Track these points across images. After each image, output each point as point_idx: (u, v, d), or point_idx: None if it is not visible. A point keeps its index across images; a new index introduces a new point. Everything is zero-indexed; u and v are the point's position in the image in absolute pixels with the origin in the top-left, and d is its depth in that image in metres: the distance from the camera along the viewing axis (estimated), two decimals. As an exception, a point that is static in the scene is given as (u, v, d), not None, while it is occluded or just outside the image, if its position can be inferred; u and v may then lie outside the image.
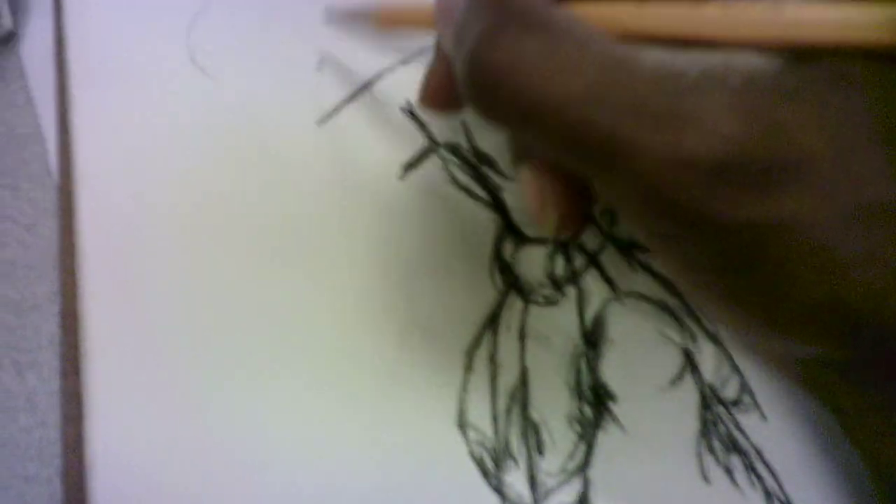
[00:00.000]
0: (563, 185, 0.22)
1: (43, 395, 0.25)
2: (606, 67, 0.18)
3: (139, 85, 0.30)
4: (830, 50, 0.17)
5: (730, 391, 0.28)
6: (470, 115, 0.31)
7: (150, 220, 0.27)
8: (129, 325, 0.25)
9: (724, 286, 0.20)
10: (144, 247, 0.27)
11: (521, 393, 0.27)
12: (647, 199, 0.19)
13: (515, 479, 0.26)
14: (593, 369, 0.28)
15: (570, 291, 0.29)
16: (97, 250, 0.26)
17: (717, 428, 0.27)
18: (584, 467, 0.26)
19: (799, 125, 0.17)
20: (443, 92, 0.26)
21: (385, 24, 0.27)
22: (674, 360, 0.28)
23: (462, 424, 0.26)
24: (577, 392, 0.27)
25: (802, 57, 0.17)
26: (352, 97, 0.31)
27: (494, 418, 0.26)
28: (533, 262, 0.29)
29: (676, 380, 0.28)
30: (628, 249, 0.30)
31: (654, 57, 0.18)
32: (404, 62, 0.31)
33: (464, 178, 0.30)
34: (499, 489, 0.25)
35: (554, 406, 0.27)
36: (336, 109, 0.30)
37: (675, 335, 0.29)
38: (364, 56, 0.31)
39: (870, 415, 0.21)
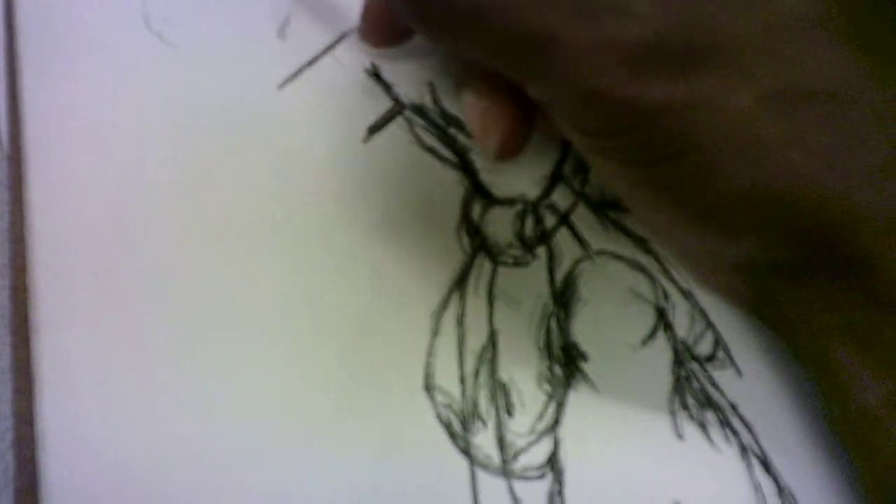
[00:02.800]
0: (504, 106, 0.23)
1: (-6, 368, 0.24)
2: None
3: (92, 51, 0.29)
4: None
5: (704, 347, 0.28)
6: (435, 75, 0.30)
7: (102, 191, 0.26)
8: (80, 298, 0.25)
9: (654, 179, 0.20)
10: (96, 218, 0.26)
11: (490, 354, 0.26)
12: (575, 92, 0.19)
13: (484, 441, 0.25)
14: (564, 329, 0.27)
15: (541, 252, 0.28)
16: (48, 222, 0.26)
17: (690, 384, 0.27)
18: (554, 427, 0.26)
19: (719, 8, 0.17)
20: (383, 23, 0.26)
21: None
22: (646, 319, 0.28)
23: (429, 387, 0.26)
24: (548, 352, 0.27)
25: None
26: (313, 60, 0.30)
27: (462, 381, 0.26)
28: (502, 224, 0.29)
29: (649, 338, 0.27)
30: (600, 208, 0.29)
31: None
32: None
33: (430, 140, 0.29)
34: (466, 451, 0.25)
35: (523, 367, 0.26)
36: (297, 73, 0.30)
37: (647, 293, 0.28)
38: (327, 18, 0.30)
39: (815, 316, 0.21)
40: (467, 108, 0.24)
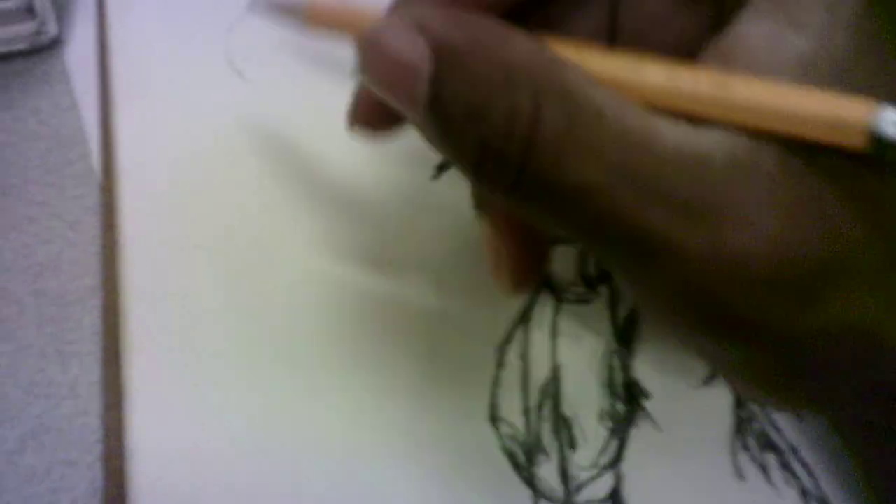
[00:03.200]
0: (520, 247, 0.21)
1: (85, 384, 0.26)
2: (628, 147, 0.15)
3: (178, 88, 0.30)
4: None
5: (764, 390, 0.28)
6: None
7: (189, 219, 0.28)
8: (168, 318, 0.26)
9: (763, 386, 0.18)
10: (183, 244, 0.27)
11: (553, 388, 0.27)
12: (676, 304, 0.16)
13: (547, 473, 0.26)
14: (626, 366, 0.28)
15: (603, 291, 0.29)
16: (137, 247, 0.27)
17: (751, 425, 0.27)
18: (616, 462, 0.26)
19: (845, 213, 0.15)
20: (376, 111, 0.22)
21: (316, 22, 0.23)
22: (707, 359, 0.28)
23: (494, 419, 0.26)
24: (610, 389, 0.27)
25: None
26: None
27: (526, 413, 0.27)
28: (565, 262, 0.29)
29: (710, 378, 0.28)
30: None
31: (675, 133, 0.15)
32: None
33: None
34: (531, 482, 0.25)
35: (586, 402, 0.27)
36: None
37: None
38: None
39: None
40: (484, 238, 0.22)
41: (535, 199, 0.17)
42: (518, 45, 0.16)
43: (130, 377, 0.25)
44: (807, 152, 0.15)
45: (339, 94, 0.31)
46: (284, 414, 0.25)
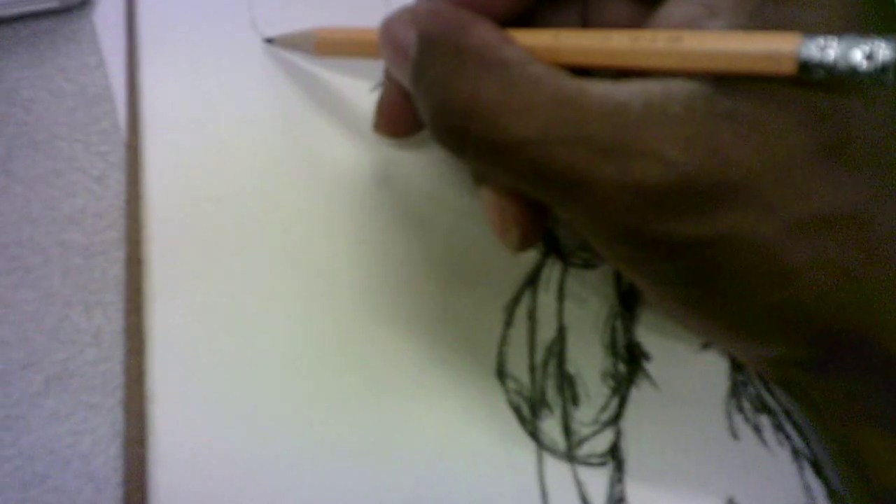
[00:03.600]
0: (522, 204, 0.24)
1: (108, 332, 0.27)
2: (559, 104, 0.19)
3: (203, 48, 0.31)
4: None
5: (760, 356, 0.29)
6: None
7: (211, 173, 0.29)
8: (189, 271, 0.27)
9: (686, 298, 0.21)
10: (205, 198, 0.28)
11: (559, 347, 0.28)
12: (603, 226, 0.20)
13: (551, 427, 0.27)
14: (628, 329, 0.29)
15: (607, 257, 0.30)
16: (161, 201, 0.28)
17: (746, 388, 0.28)
18: (616, 419, 0.27)
19: (736, 146, 0.19)
20: (398, 117, 0.27)
21: (325, 50, 0.29)
22: (706, 325, 0.29)
23: (501, 374, 0.27)
24: (612, 350, 0.28)
25: (735, 79, 0.19)
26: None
27: (532, 370, 0.28)
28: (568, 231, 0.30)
29: (709, 342, 0.29)
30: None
31: (599, 90, 0.19)
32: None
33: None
34: (535, 435, 0.26)
35: (589, 362, 0.28)
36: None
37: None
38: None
39: (839, 404, 0.22)
40: (485, 204, 0.24)
41: (482, 157, 0.21)
42: (476, 33, 0.21)
43: (152, 326, 0.26)
44: (708, 99, 0.19)
45: (361, 61, 0.32)
46: (301, 362, 0.26)
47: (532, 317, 0.28)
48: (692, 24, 0.19)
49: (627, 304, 0.29)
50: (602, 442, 0.27)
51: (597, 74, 0.21)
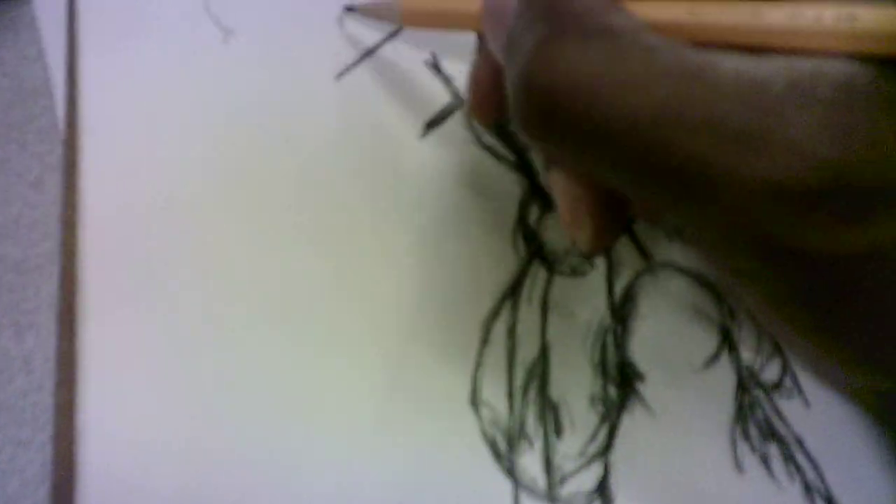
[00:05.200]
0: (601, 194, 0.20)
1: (40, 357, 0.24)
2: (681, 79, 0.16)
3: (150, 36, 0.28)
4: None
5: (770, 373, 0.26)
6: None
7: (152, 178, 0.26)
8: (128, 288, 0.24)
9: (814, 320, 0.18)
10: (146, 205, 0.26)
11: (541, 369, 0.25)
12: (732, 232, 0.17)
13: (530, 463, 0.24)
14: (620, 346, 0.26)
15: (600, 261, 0.27)
16: (97, 210, 0.25)
17: (754, 413, 0.25)
18: (605, 451, 0.24)
19: None
20: (493, 100, 0.23)
21: (413, 20, 0.25)
22: (709, 339, 0.26)
23: (475, 401, 0.25)
24: (602, 370, 0.25)
25: None
26: (373, 50, 0.29)
27: (510, 396, 0.25)
28: (560, 229, 0.27)
29: (712, 360, 0.26)
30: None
31: (734, 65, 0.16)
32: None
33: (489, 138, 0.28)
34: (511, 472, 0.24)
35: (575, 385, 0.25)
36: (355, 63, 0.29)
37: (712, 311, 0.27)
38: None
39: None
40: (556, 192, 0.21)
41: (573, 142, 0.17)
42: None
43: (84, 352, 0.23)
44: (869, 83, 0.15)
45: (318, 43, 0.29)
46: (247, 393, 0.24)
47: (512, 333, 0.25)
48: None
49: (621, 316, 0.26)
50: (588, 478, 0.24)
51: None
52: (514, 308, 0.26)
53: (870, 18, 0.15)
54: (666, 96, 0.15)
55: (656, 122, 0.16)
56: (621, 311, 0.26)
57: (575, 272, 0.27)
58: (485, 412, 0.24)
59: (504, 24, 0.19)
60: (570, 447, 0.24)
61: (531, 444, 0.24)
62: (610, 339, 0.26)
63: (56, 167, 0.27)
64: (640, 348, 0.26)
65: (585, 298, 0.26)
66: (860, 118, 0.15)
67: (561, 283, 0.26)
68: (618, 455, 0.24)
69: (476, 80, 0.24)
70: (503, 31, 0.19)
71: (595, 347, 0.26)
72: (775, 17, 0.16)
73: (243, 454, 0.23)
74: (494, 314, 0.26)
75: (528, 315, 0.26)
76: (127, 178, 0.26)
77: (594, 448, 0.24)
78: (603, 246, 0.21)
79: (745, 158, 0.15)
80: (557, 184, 0.21)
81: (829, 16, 0.16)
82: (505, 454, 0.24)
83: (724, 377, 0.26)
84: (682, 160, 0.16)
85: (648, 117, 0.16)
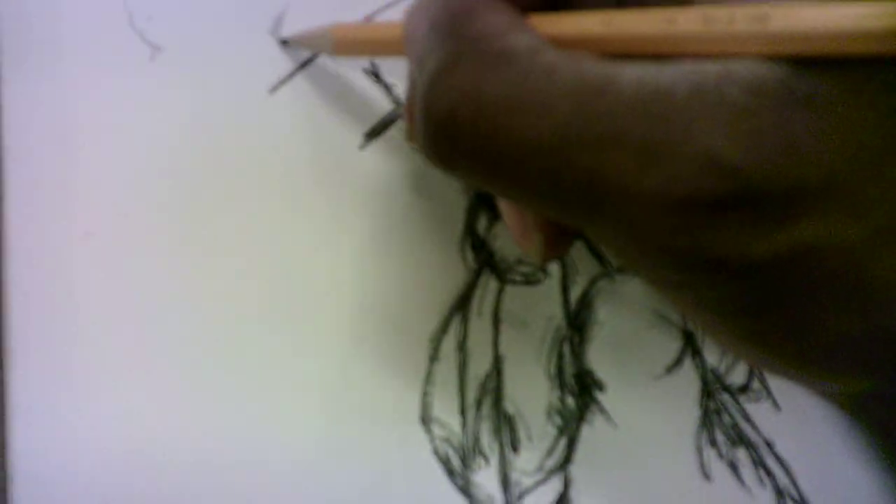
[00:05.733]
0: None
1: (-39, 395, 0.23)
2: (581, 96, 0.15)
3: (73, 57, 0.27)
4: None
5: (737, 377, 0.25)
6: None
7: (78, 204, 0.25)
8: (53, 322, 0.23)
9: (746, 327, 0.17)
10: (72, 233, 0.24)
11: (494, 383, 0.24)
12: (644, 248, 0.16)
13: (486, 479, 0.23)
14: (578, 355, 0.25)
15: (554, 268, 0.26)
16: (22, 238, 0.24)
17: (720, 418, 0.24)
18: (564, 464, 0.23)
19: (816, 140, 0.14)
20: None
21: (344, 49, 0.24)
22: (671, 344, 0.25)
23: (426, 419, 0.23)
24: (559, 381, 0.24)
25: (812, 60, 0.15)
26: (309, 61, 0.28)
27: (463, 412, 0.23)
28: (510, 237, 0.26)
29: (674, 365, 0.25)
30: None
31: (635, 74, 0.15)
32: (369, 20, 0.28)
33: (434, 147, 0.27)
34: (466, 490, 0.22)
35: (531, 397, 0.24)
36: (291, 74, 0.28)
37: (672, 315, 0.25)
38: (326, 14, 0.28)
39: None
40: (501, 205, 0.21)
41: (477, 170, 0.17)
42: (480, 20, 0.17)
43: (12, 389, 0.22)
44: (781, 82, 0.15)
45: (250, 55, 0.28)
46: (182, 423, 0.22)
47: (462, 348, 0.24)
48: None
49: (577, 324, 0.25)
50: (548, 493, 0.23)
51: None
52: (465, 321, 0.25)
53: (782, 18, 0.15)
54: (567, 116, 0.15)
55: (559, 143, 0.15)
56: (578, 319, 0.25)
57: (528, 281, 0.26)
58: (437, 429, 0.23)
59: (415, 48, 0.18)
60: (527, 462, 0.23)
61: (487, 460, 0.23)
62: (567, 348, 0.25)
63: (-20, 195, 0.25)
64: (599, 356, 0.25)
65: (539, 307, 0.25)
66: (771, 120, 0.14)
67: (513, 293, 0.25)
68: (578, 468, 0.23)
69: (408, 107, 0.23)
70: (414, 55, 0.19)
71: (551, 357, 0.24)
72: (689, 23, 0.16)
73: (184, 484, 0.22)
74: (443, 329, 0.24)
75: (479, 327, 0.25)
76: (50, 204, 0.25)
77: (553, 462, 0.23)
78: (555, 257, 0.21)
79: (649, 172, 0.15)
80: (502, 201, 0.20)
81: (740, 17, 0.15)
82: (459, 472, 0.23)
83: (687, 382, 0.25)
84: (588, 179, 0.15)
85: (551, 139, 0.15)
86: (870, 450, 0.24)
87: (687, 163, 0.14)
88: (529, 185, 0.16)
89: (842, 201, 0.15)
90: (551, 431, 0.24)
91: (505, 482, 0.23)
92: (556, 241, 0.20)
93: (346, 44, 0.24)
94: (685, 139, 0.14)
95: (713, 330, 0.18)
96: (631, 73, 0.15)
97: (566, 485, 0.23)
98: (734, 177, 0.14)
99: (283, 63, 0.28)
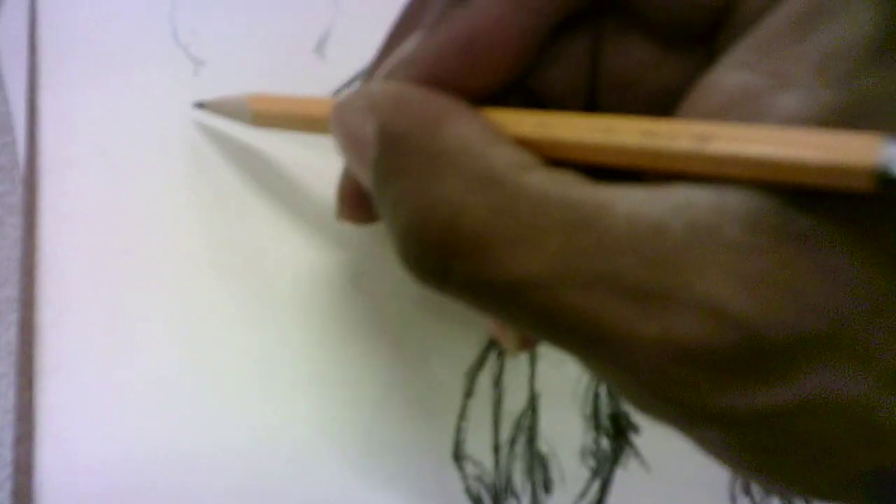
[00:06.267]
0: None
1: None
2: (572, 230, 0.14)
3: (115, 70, 0.27)
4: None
5: (772, 422, 0.25)
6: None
7: (114, 220, 0.24)
8: (87, 339, 0.23)
9: (751, 464, 0.16)
10: (107, 250, 0.24)
11: (529, 421, 0.24)
12: (641, 394, 0.15)
13: (517, 522, 0.23)
14: (614, 396, 0.24)
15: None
16: (57, 255, 0.24)
17: (755, 466, 0.24)
18: (597, 509, 0.23)
19: (819, 284, 0.14)
20: (360, 204, 0.22)
21: (262, 122, 0.23)
22: (708, 385, 0.25)
23: (458, 456, 0.23)
24: (594, 421, 0.24)
25: (802, 191, 0.14)
26: (353, 81, 0.28)
27: (496, 450, 0.23)
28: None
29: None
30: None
31: (627, 208, 0.14)
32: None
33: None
34: (497, 533, 0.22)
35: (566, 437, 0.24)
36: (343, 87, 0.27)
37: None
38: (372, 34, 0.28)
39: None
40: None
41: (470, 299, 0.15)
42: (452, 130, 0.16)
43: (42, 408, 0.22)
44: (778, 217, 0.14)
45: (294, 74, 0.27)
46: (220, 450, 0.22)
47: (498, 384, 0.24)
48: (752, 101, 0.14)
49: (613, 362, 0.25)
50: (579, 537, 0.23)
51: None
52: (501, 357, 0.24)
53: (727, 139, 0.14)
54: (557, 251, 0.14)
55: (551, 281, 0.14)
56: (614, 357, 0.25)
57: (565, 315, 0.25)
58: (469, 467, 0.23)
59: (364, 154, 0.17)
60: (559, 503, 0.23)
61: (518, 500, 0.23)
62: (602, 389, 0.24)
63: (16, 208, 0.25)
64: (634, 397, 0.24)
65: (576, 344, 0.25)
66: (771, 262, 0.14)
67: (550, 328, 0.25)
68: (611, 513, 0.23)
69: (346, 183, 0.22)
70: (363, 161, 0.17)
71: (587, 398, 0.24)
72: (627, 135, 0.15)
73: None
74: (479, 364, 0.24)
75: (516, 364, 0.24)
76: (88, 220, 0.25)
77: (585, 505, 0.23)
78: (531, 348, 0.20)
79: (645, 318, 0.14)
80: None
81: (683, 134, 0.14)
82: (491, 513, 0.23)
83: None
84: (580, 320, 0.14)
85: (540, 273, 0.14)
86: None
87: (688, 311, 0.14)
88: (520, 318, 0.15)
89: (848, 349, 0.14)
90: (584, 473, 0.23)
91: (536, 524, 0.23)
92: (531, 338, 0.20)
93: (264, 116, 0.23)
94: (684, 284, 0.14)
95: (721, 460, 0.17)
96: (622, 206, 0.14)
97: (598, 529, 0.23)
98: (738, 327, 0.14)
99: (326, 81, 0.27)
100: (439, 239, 0.15)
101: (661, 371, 0.14)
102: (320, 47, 0.28)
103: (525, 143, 0.16)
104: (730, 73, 0.15)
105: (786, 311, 0.13)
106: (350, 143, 0.18)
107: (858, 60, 0.14)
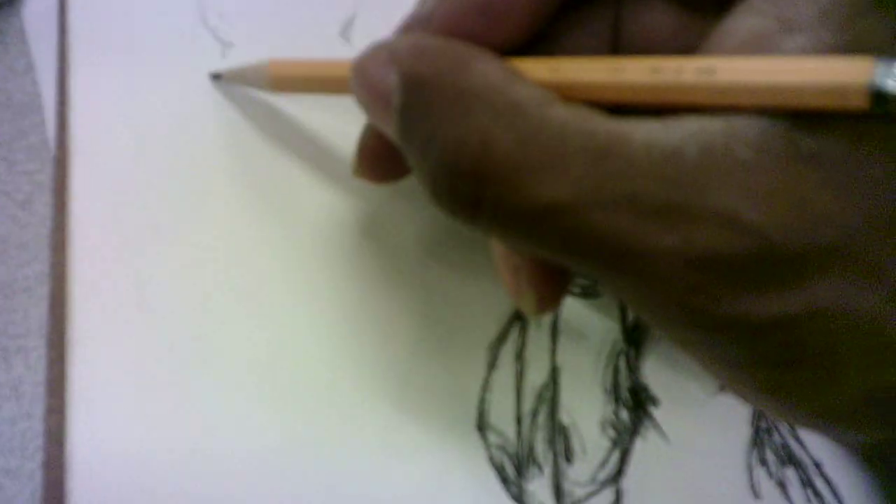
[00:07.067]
0: (540, 264, 0.20)
1: (29, 383, 0.23)
2: (594, 157, 0.15)
3: (144, 51, 0.27)
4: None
5: (786, 396, 0.25)
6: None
7: (143, 198, 0.25)
8: (118, 311, 0.23)
9: (764, 383, 0.17)
10: (137, 226, 0.25)
11: (551, 393, 0.24)
12: (661, 306, 0.16)
13: (539, 488, 0.23)
14: (633, 369, 0.25)
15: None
16: (87, 231, 0.24)
17: (771, 437, 0.24)
18: (617, 477, 0.23)
19: (830, 198, 0.14)
20: (383, 161, 0.23)
21: (282, 86, 0.24)
22: (723, 360, 0.25)
23: (482, 426, 0.24)
24: (614, 394, 0.25)
25: (814, 114, 0.15)
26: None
27: (518, 420, 0.24)
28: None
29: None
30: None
31: (645, 133, 0.15)
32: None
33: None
34: (519, 498, 0.23)
35: (586, 409, 0.24)
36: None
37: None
38: (397, 17, 0.28)
39: None
40: (497, 259, 0.21)
41: (501, 227, 0.17)
42: (478, 69, 0.17)
43: (73, 380, 0.22)
44: (786, 138, 0.15)
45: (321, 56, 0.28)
46: (241, 423, 0.23)
47: (520, 357, 0.25)
48: (761, 42, 0.15)
49: (633, 339, 0.25)
50: (600, 505, 0.23)
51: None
52: (523, 332, 0.25)
53: (729, 70, 0.15)
54: (580, 175, 0.15)
55: (575, 203, 0.15)
56: (634, 334, 0.25)
57: (586, 294, 0.26)
58: (492, 437, 0.24)
59: (386, 103, 0.18)
60: (580, 473, 0.23)
61: (541, 469, 0.23)
62: (623, 363, 0.25)
63: (46, 186, 0.26)
64: (654, 371, 0.25)
65: (597, 321, 0.26)
66: (782, 179, 0.14)
67: (571, 305, 0.26)
68: (630, 481, 0.23)
69: (366, 140, 0.23)
70: (386, 111, 0.18)
71: (607, 371, 0.25)
72: (636, 73, 0.16)
73: (241, 480, 0.22)
74: (502, 338, 0.25)
75: (538, 338, 0.25)
76: (118, 198, 0.25)
77: (605, 474, 0.24)
78: (547, 311, 0.21)
79: (666, 231, 0.15)
80: (497, 252, 0.21)
81: (688, 68, 0.15)
82: (513, 480, 0.23)
83: (739, 401, 0.25)
84: (605, 238, 0.15)
85: (566, 197, 0.15)
86: (887, 493, 0.24)
87: (705, 222, 0.15)
88: (547, 240, 0.16)
89: (858, 262, 0.15)
90: (605, 444, 0.24)
91: (558, 492, 0.23)
92: (549, 299, 0.20)
93: (284, 80, 0.24)
94: (701, 200, 0.15)
95: (735, 383, 0.18)
96: (640, 134, 0.15)
97: (618, 497, 0.23)
98: (753, 235, 0.14)
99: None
100: (472, 168, 0.16)
101: (681, 278, 0.15)
102: (346, 31, 0.28)
103: (544, 87, 0.17)
104: (741, 19, 0.16)
105: (797, 221, 0.14)
106: (373, 95, 0.18)
107: (858, 7, 0.15)
